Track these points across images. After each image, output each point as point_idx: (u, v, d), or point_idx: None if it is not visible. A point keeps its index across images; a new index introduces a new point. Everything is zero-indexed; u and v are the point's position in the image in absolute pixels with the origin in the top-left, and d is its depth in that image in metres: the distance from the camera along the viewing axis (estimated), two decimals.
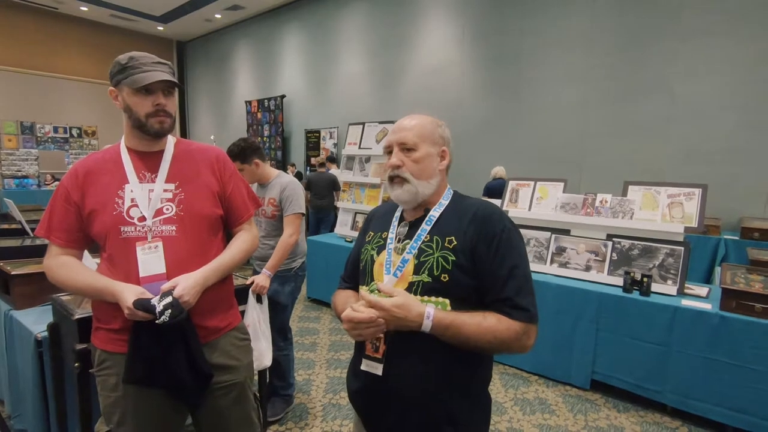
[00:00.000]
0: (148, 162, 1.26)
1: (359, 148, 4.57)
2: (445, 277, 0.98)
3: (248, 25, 11.06)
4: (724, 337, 2.35)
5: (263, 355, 2.05)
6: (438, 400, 1.00)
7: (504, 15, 6.46)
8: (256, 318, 2.04)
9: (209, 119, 12.98)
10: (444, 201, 1.09)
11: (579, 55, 5.77)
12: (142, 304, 1.09)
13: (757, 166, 4.67)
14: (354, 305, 0.97)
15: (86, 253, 1.79)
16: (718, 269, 3.61)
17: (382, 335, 0.99)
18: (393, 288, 0.97)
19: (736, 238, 4.29)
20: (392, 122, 4.36)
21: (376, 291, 1.00)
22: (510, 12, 6.39)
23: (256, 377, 2.24)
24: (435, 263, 0.99)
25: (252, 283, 2.12)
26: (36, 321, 1.86)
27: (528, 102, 6.30)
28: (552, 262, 3.14)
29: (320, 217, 6.45)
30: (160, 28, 12.14)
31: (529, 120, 6.30)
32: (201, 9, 10.37)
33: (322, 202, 6.34)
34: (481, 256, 0.98)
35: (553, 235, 3.19)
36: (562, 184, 3.36)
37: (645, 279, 2.65)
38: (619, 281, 2.80)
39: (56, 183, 9.38)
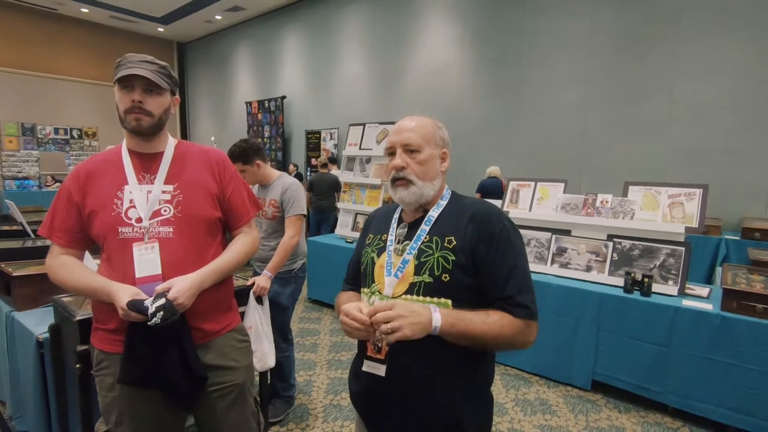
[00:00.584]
0: (148, 163, 1.26)
1: (360, 149, 4.58)
2: (446, 277, 0.98)
3: (249, 26, 11.08)
4: (726, 337, 2.35)
5: (267, 356, 2.05)
6: (441, 402, 1.00)
7: (504, 16, 6.47)
8: (258, 319, 2.04)
9: (210, 120, 12.99)
10: (442, 201, 1.09)
11: (579, 56, 5.78)
12: (135, 306, 1.09)
13: (758, 166, 4.67)
14: (362, 305, 0.96)
15: (87, 254, 1.79)
16: (719, 269, 3.61)
17: (383, 336, 0.99)
18: (389, 302, 0.94)
19: (737, 238, 4.29)
20: (392, 123, 4.36)
21: (377, 293, 1.00)
22: (510, 13, 6.40)
23: (257, 379, 2.24)
24: (435, 263, 1.00)
25: (253, 284, 2.12)
26: (37, 322, 1.86)
27: (528, 103, 6.30)
28: (553, 262, 3.14)
29: (321, 218, 6.45)
30: (161, 30, 12.15)
31: (529, 121, 6.31)
32: (201, 10, 10.39)
33: (324, 203, 6.34)
34: (481, 255, 0.99)
35: (554, 236, 3.19)
36: (563, 184, 3.36)
37: (646, 279, 2.65)
38: (620, 282, 2.80)
39: (57, 184, 9.40)
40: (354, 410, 1.16)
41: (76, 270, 1.22)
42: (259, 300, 2.10)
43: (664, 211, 2.85)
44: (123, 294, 1.11)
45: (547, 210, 3.31)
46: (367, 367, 1.02)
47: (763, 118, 4.60)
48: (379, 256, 1.09)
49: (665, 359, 2.54)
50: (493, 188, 5.92)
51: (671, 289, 2.68)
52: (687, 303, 2.52)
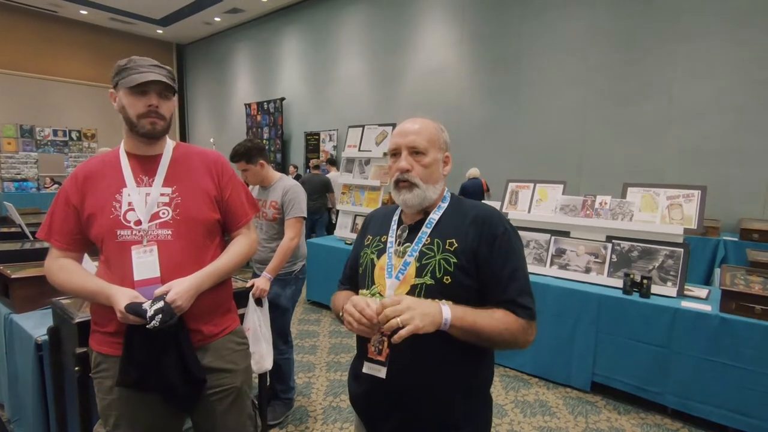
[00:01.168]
0: (146, 166, 1.26)
1: (359, 150, 4.58)
2: (447, 279, 0.98)
3: (248, 28, 11.09)
4: (725, 338, 2.35)
5: (264, 358, 2.05)
6: (441, 404, 1.00)
7: (503, 17, 6.48)
8: (257, 321, 2.04)
9: (209, 122, 13.00)
10: (443, 204, 1.10)
11: (578, 57, 5.79)
12: (134, 309, 1.09)
13: (756, 167, 4.68)
14: (369, 300, 0.95)
15: (86, 256, 1.79)
16: (717, 271, 3.62)
17: (385, 338, 0.99)
18: (396, 297, 0.94)
19: (736, 239, 4.30)
20: (392, 125, 4.38)
21: (378, 294, 0.99)
22: (509, 15, 6.41)
23: (256, 380, 2.23)
24: (437, 266, 1.00)
25: (252, 286, 2.12)
26: (36, 325, 1.86)
27: (527, 104, 6.31)
28: (552, 264, 3.14)
29: (314, 219, 6.51)
30: (160, 31, 12.16)
31: (528, 122, 6.32)
32: (201, 12, 10.39)
33: (315, 203, 6.39)
34: (483, 257, 0.99)
35: (553, 237, 3.19)
36: (562, 186, 3.37)
37: (645, 281, 2.65)
38: (619, 283, 2.80)
39: (56, 186, 9.38)
40: (353, 412, 1.16)
41: (74, 273, 1.22)
42: (258, 302, 2.10)
43: (662, 213, 2.85)
44: (121, 297, 1.11)
45: (546, 211, 3.31)
46: (368, 368, 1.02)
47: (761, 119, 4.62)
48: (378, 257, 1.09)
49: (664, 360, 2.54)
50: (474, 189, 6.03)
51: (670, 290, 2.68)
52: (686, 304, 2.53)
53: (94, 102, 11.47)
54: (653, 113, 5.26)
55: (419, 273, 1.01)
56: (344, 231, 4.58)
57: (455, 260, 0.99)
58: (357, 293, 1.14)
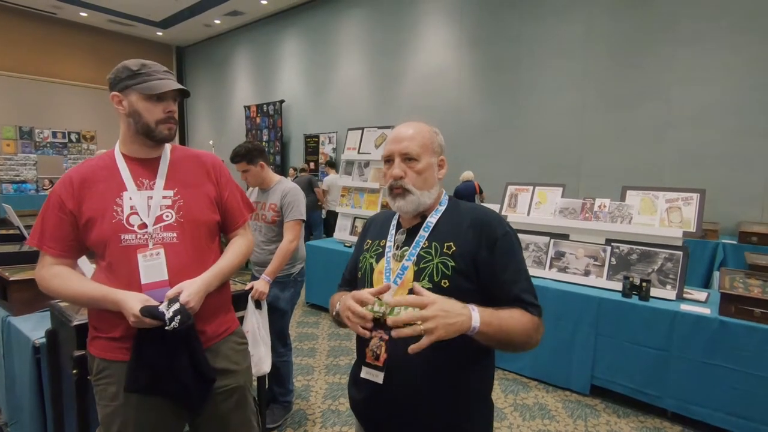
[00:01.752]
0: (146, 169, 1.25)
1: (358, 152, 4.58)
2: (445, 283, 0.98)
3: (247, 30, 11.11)
4: (724, 341, 2.35)
5: (262, 360, 2.04)
6: (441, 409, 0.99)
7: (501, 21, 6.50)
8: (256, 324, 2.03)
9: (208, 124, 13.00)
10: (441, 207, 1.09)
11: (576, 61, 5.81)
12: (150, 311, 1.08)
13: (755, 170, 4.69)
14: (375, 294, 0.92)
15: (85, 258, 1.78)
16: (716, 274, 3.62)
17: (383, 343, 0.98)
18: (424, 297, 0.84)
19: (735, 242, 4.30)
20: (391, 127, 4.38)
21: (377, 299, 0.99)
22: (507, 18, 6.43)
23: (254, 383, 2.23)
24: (435, 269, 0.99)
25: (251, 288, 2.11)
26: (34, 327, 1.85)
27: (526, 107, 6.33)
28: (551, 267, 3.14)
29: (309, 216, 6.62)
30: (160, 34, 12.17)
31: (527, 125, 6.33)
32: (200, 14, 10.41)
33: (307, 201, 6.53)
34: (484, 261, 0.99)
35: (552, 240, 3.19)
36: (561, 188, 3.37)
37: (644, 284, 2.65)
38: (618, 286, 2.80)
39: None
40: (353, 416, 1.16)
41: (71, 279, 1.19)
42: (257, 304, 2.10)
43: (661, 216, 2.86)
44: (133, 301, 1.10)
45: (546, 214, 3.31)
46: (365, 374, 1.01)
47: (759, 122, 4.63)
48: (377, 261, 1.09)
49: (664, 364, 2.54)
50: (467, 192, 6.09)
51: (669, 293, 2.68)
52: (685, 307, 2.53)
53: (93, 104, 11.47)
54: (652, 116, 5.27)
55: (417, 277, 1.00)
56: (343, 233, 4.58)
57: (453, 264, 0.99)
58: None
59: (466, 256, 0.99)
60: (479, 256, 0.99)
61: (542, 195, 3.41)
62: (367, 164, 4.55)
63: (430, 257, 1.01)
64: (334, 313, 1.06)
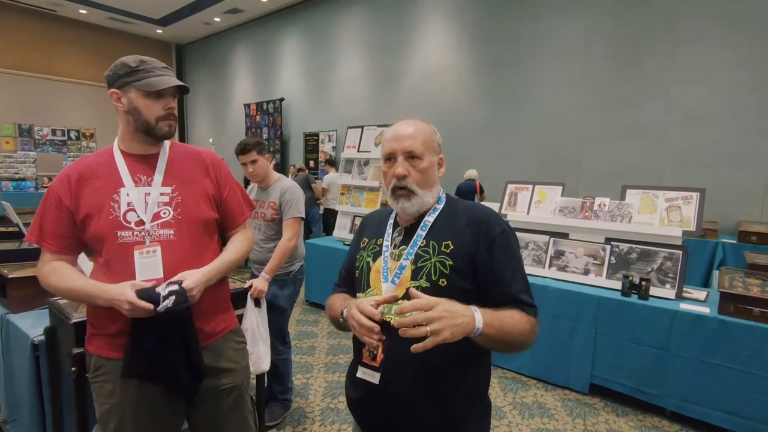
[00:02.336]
0: (144, 165, 1.25)
1: (358, 151, 4.58)
2: (443, 282, 0.97)
3: (247, 28, 11.08)
4: (723, 341, 2.36)
5: (261, 359, 2.04)
6: (437, 409, 0.99)
7: (502, 20, 6.49)
8: (255, 322, 2.03)
9: (208, 122, 12.98)
10: (438, 206, 1.08)
11: (576, 60, 5.80)
12: (146, 293, 1.09)
13: (754, 169, 4.69)
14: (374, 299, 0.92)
15: (83, 255, 1.78)
16: (716, 273, 3.62)
17: (380, 343, 0.97)
18: (428, 300, 0.82)
19: (734, 241, 4.30)
20: (391, 125, 4.38)
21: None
22: (508, 17, 6.42)
23: (253, 381, 2.23)
24: (432, 268, 0.99)
25: (250, 286, 2.11)
26: (33, 325, 1.85)
27: (526, 106, 6.32)
28: (551, 265, 3.14)
29: (306, 219, 6.63)
30: (159, 31, 12.14)
31: (527, 124, 6.32)
32: (200, 12, 10.38)
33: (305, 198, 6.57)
34: (482, 259, 0.98)
35: (552, 239, 3.19)
36: (561, 187, 3.37)
37: (643, 283, 2.65)
38: (618, 285, 2.80)
39: None
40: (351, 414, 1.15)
41: (67, 275, 1.18)
42: (256, 302, 2.09)
43: (661, 215, 2.86)
44: (125, 288, 1.10)
45: (545, 213, 3.31)
46: (362, 373, 1.01)
47: (758, 121, 4.63)
48: (374, 260, 1.08)
49: (663, 363, 2.54)
50: (467, 190, 6.13)
51: (669, 292, 2.68)
52: (684, 306, 2.53)
53: (93, 102, 11.45)
54: (651, 116, 5.27)
55: (415, 276, 1.00)
56: (343, 232, 4.58)
57: (451, 263, 0.98)
58: (353, 296, 1.13)
59: (464, 255, 0.98)
60: (477, 254, 0.98)
61: (542, 194, 3.41)
62: (366, 162, 4.55)
63: (428, 256, 1.00)
64: (341, 320, 1.04)
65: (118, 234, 1.17)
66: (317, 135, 9.32)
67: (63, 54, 11.22)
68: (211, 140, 12.05)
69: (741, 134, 4.74)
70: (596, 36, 5.64)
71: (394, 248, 1.06)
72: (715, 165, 4.87)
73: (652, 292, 2.69)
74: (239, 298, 2.01)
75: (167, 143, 1.32)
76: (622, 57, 5.44)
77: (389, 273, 1.02)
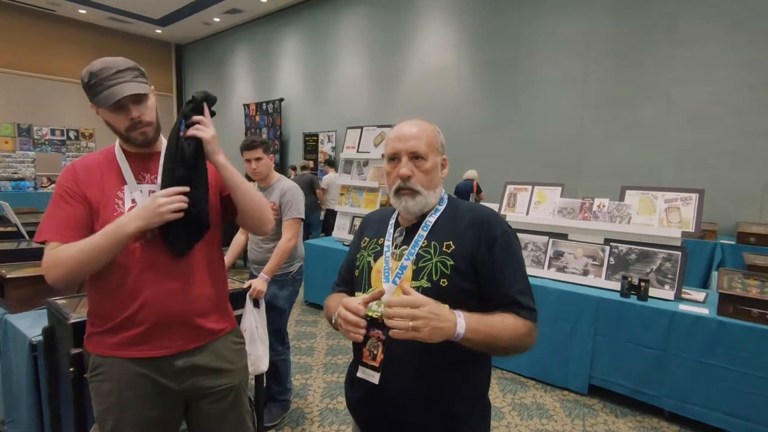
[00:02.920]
0: (146, 163, 1.25)
1: (357, 151, 4.58)
2: (444, 282, 0.97)
3: (247, 28, 11.08)
4: (722, 342, 2.36)
5: (260, 359, 2.04)
6: (437, 409, 0.99)
7: (501, 20, 6.49)
8: (254, 322, 2.03)
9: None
10: (440, 206, 1.08)
11: (576, 60, 5.81)
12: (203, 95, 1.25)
13: (753, 170, 4.69)
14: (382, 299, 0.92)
15: None
16: (714, 274, 3.62)
17: (380, 343, 0.97)
18: (418, 298, 0.86)
19: (733, 242, 4.30)
20: (390, 126, 4.38)
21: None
22: (508, 17, 6.42)
23: (252, 382, 2.22)
24: (434, 268, 0.99)
25: (249, 287, 2.11)
26: (31, 325, 1.84)
27: (526, 106, 6.32)
28: (550, 266, 3.14)
29: (306, 221, 6.57)
30: (159, 31, 12.14)
31: (526, 124, 6.32)
32: (200, 12, 10.38)
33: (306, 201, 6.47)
34: (483, 260, 0.98)
35: (551, 240, 3.19)
36: (560, 188, 3.37)
37: (642, 284, 2.65)
38: (617, 286, 2.80)
39: (53, 186, 9.35)
40: (350, 414, 1.15)
41: (75, 244, 1.10)
42: (255, 303, 2.09)
43: (660, 216, 2.86)
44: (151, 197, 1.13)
45: (544, 214, 3.31)
46: (361, 373, 1.01)
47: (758, 122, 4.63)
48: (375, 260, 1.08)
49: (662, 363, 2.54)
50: (465, 190, 6.16)
51: (668, 293, 2.68)
52: (683, 307, 2.53)
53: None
54: (651, 116, 5.27)
55: (416, 276, 1.00)
56: (342, 232, 4.58)
57: (452, 263, 0.98)
58: (351, 296, 1.13)
59: (465, 256, 0.98)
60: (478, 255, 0.98)
61: (541, 194, 3.41)
62: (366, 163, 4.55)
63: (429, 256, 1.00)
64: (333, 321, 1.05)
65: None
66: (316, 135, 9.32)
67: (62, 54, 11.21)
68: None
69: (741, 134, 4.74)
70: (596, 36, 5.64)
71: (396, 248, 1.06)
72: (714, 165, 4.87)
73: (651, 293, 2.69)
74: (238, 299, 2.00)
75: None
76: (622, 57, 5.44)
77: (390, 273, 1.02)
